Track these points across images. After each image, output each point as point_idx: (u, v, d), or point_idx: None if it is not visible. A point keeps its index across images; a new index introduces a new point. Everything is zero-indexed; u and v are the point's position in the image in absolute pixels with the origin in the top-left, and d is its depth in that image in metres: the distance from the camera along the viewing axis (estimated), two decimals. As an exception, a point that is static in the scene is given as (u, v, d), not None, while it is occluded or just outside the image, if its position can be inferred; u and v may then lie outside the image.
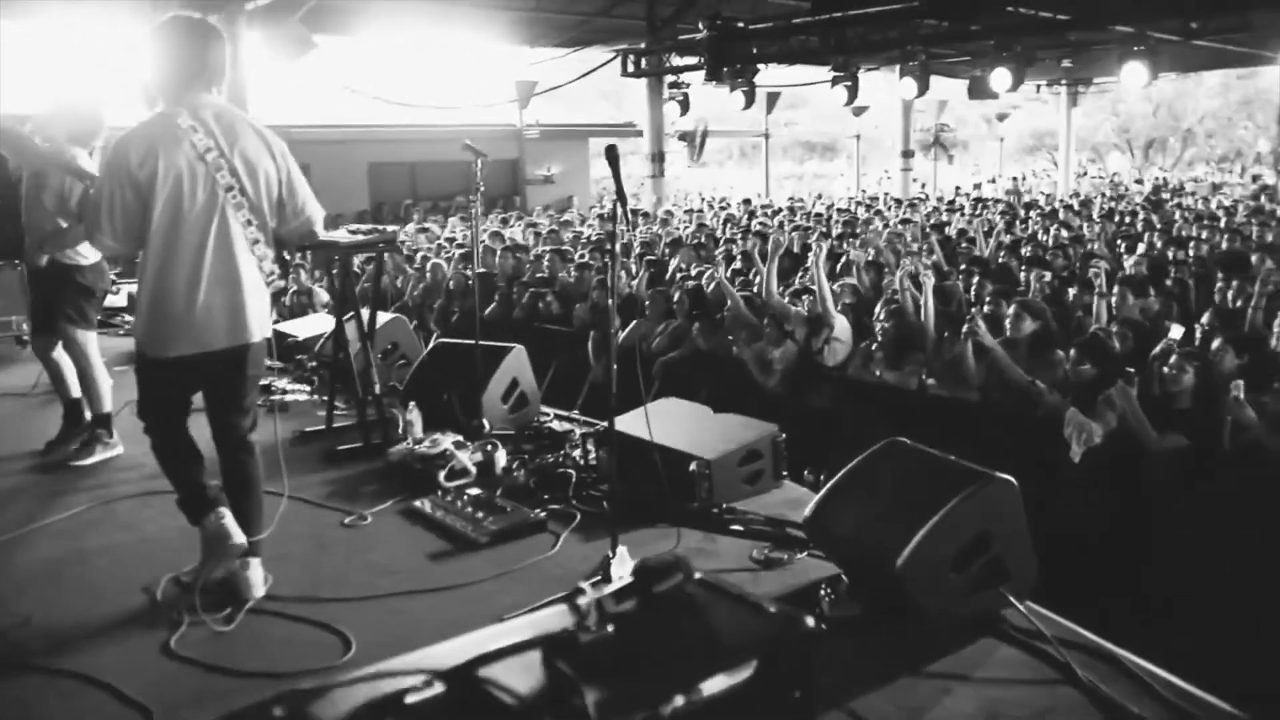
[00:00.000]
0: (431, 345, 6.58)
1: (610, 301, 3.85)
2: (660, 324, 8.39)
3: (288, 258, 3.97)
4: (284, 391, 7.06)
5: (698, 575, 2.61)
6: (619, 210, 3.65)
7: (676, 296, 8.35)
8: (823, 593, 3.56)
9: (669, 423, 4.94)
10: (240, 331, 3.61)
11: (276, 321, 8.89)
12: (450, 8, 15.28)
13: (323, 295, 10.33)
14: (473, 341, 5.82)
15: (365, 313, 5.88)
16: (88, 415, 5.71)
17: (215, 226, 3.53)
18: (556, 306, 9.33)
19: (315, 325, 7.83)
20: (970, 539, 3.32)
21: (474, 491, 4.73)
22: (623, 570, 3.49)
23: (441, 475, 4.97)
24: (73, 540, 4.45)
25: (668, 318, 8.34)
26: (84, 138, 5.17)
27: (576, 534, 4.33)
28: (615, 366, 3.85)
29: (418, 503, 4.69)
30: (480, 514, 4.44)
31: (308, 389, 7.02)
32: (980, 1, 11.87)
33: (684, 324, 8.05)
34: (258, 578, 3.73)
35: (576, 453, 5.25)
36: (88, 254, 5.41)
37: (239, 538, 3.66)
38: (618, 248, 3.93)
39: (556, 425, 5.88)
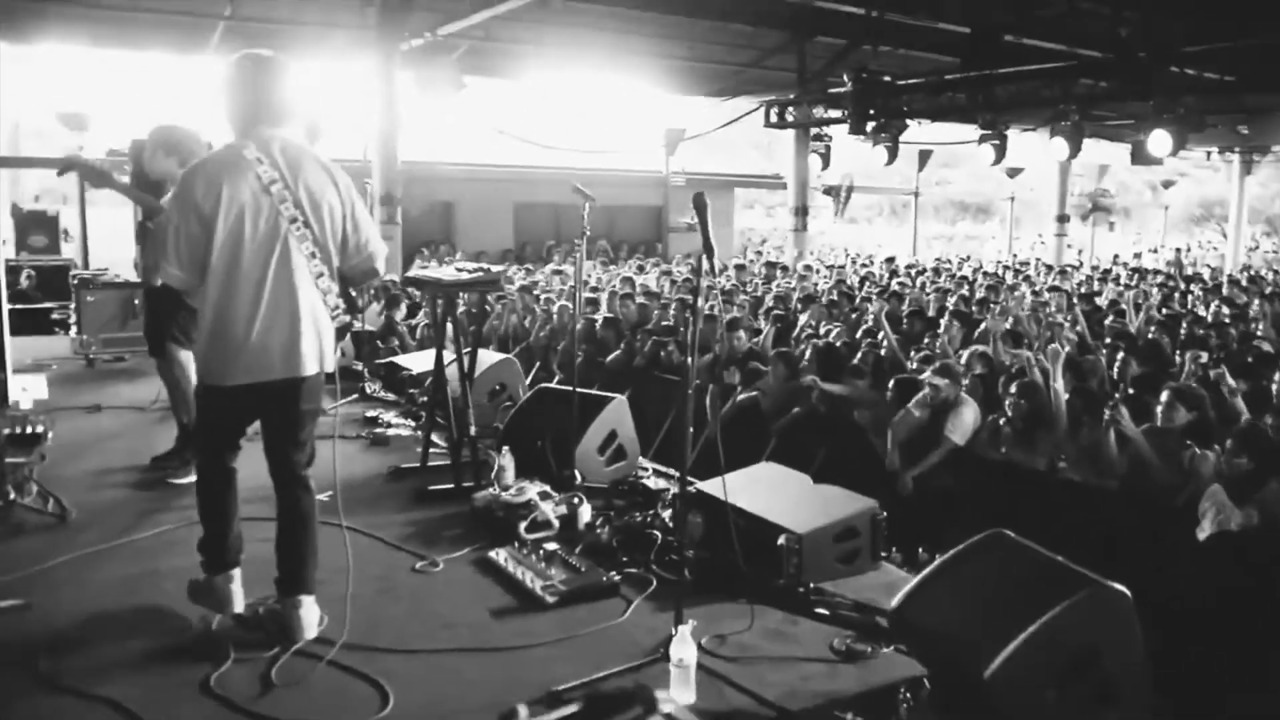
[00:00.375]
0: (534, 389, 6.44)
1: (689, 358, 3.62)
2: (783, 383, 8.06)
3: (353, 294, 3.87)
4: (387, 425, 7.05)
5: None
6: (703, 263, 3.43)
7: (805, 353, 8.01)
8: (901, 697, 3.20)
9: (762, 489, 4.67)
10: (295, 363, 3.57)
11: (390, 355, 9.04)
12: (607, 55, 15.51)
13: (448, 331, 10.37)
14: (573, 388, 5.64)
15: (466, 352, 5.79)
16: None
17: (277, 258, 3.52)
18: (678, 356, 9.11)
19: (429, 361, 7.76)
20: (1074, 653, 2.92)
21: (551, 546, 4.53)
22: (683, 652, 3.21)
23: (522, 526, 4.79)
24: (150, 560, 4.47)
25: (792, 378, 8.01)
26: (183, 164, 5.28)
27: (650, 602, 4.07)
28: (692, 427, 3.59)
29: (493, 553, 4.52)
30: (553, 571, 4.24)
31: (412, 424, 6.99)
32: (1143, 62, 11.18)
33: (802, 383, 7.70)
34: (310, 618, 3.65)
35: (666, 513, 4.99)
36: None
37: (236, 607, 3.74)
38: (700, 302, 3.70)
39: (652, 482, 5.63)
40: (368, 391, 8.25)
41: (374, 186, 14.63)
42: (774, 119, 17.19)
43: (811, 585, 4.14)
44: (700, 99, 17.72)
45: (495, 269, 5.75)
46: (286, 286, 3.54)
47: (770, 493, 4.63)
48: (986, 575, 3.27)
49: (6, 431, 5.64)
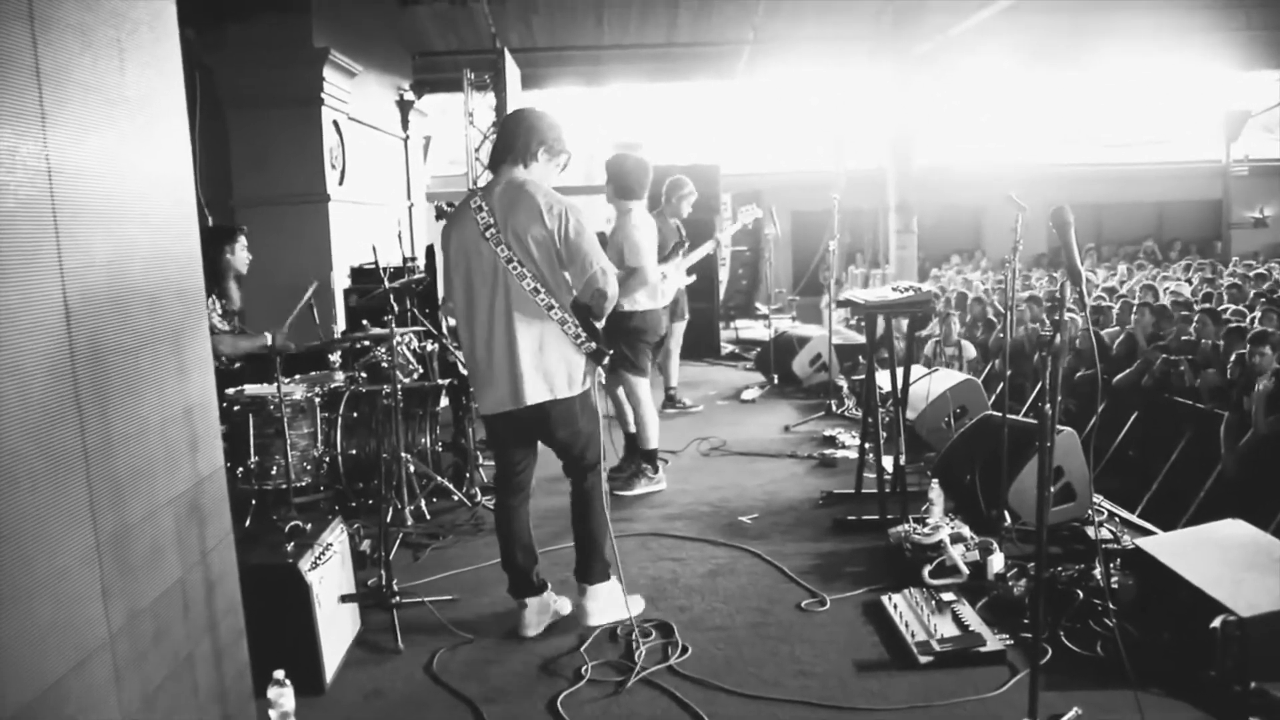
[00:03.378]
0: (979, 417, 5.89)
1: (1197, 379, 3.03)
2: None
3: (596, 324, 3.83)
4: (841, 445, 6.91)
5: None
6: (1066, 291, 2.85)
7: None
8: None
9: (1215, 552, 3.81)
10: (520, 394, 3.77)
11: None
12: (1156, 35, 13.92)
13: (970, 350, 9.82)
14: (1026, 418, 5.09)
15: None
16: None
17: (499, 298, 3.74)
18: (1190, 376, 7.85)
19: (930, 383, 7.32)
20: None
21: (949, 596, 4.09)
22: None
23: (926, 570, 4.41)
24: (566, 569, 4.74)
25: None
26: (629, 191, 5.58)
27: (1042, 677, 3.50)
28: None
29: (887, 597, 4.21)
30: (938, 625, 3.83)
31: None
32: None
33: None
34: (595, 608, 4.06)
35: (1098, 570, 4.29)
36: (641, 301, 5.79)
37: (526, 632, 4.01)
38: (1058, 337, 3.07)
39: (1105, 530, 4.88)
40: (834, 409, 8.16)
41: (889, 194, 14.50)
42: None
43: (1253, 685, 3.28)
44: (1267, 73, 15.07)
45: (926, 289, 5.35)
46: (505, 324, 3.74)
47: (1223, 558, 3.76)
48: None
49: (483, 436, 6.41)
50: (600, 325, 3.85)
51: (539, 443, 4.09)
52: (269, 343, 5.29)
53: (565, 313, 3.76)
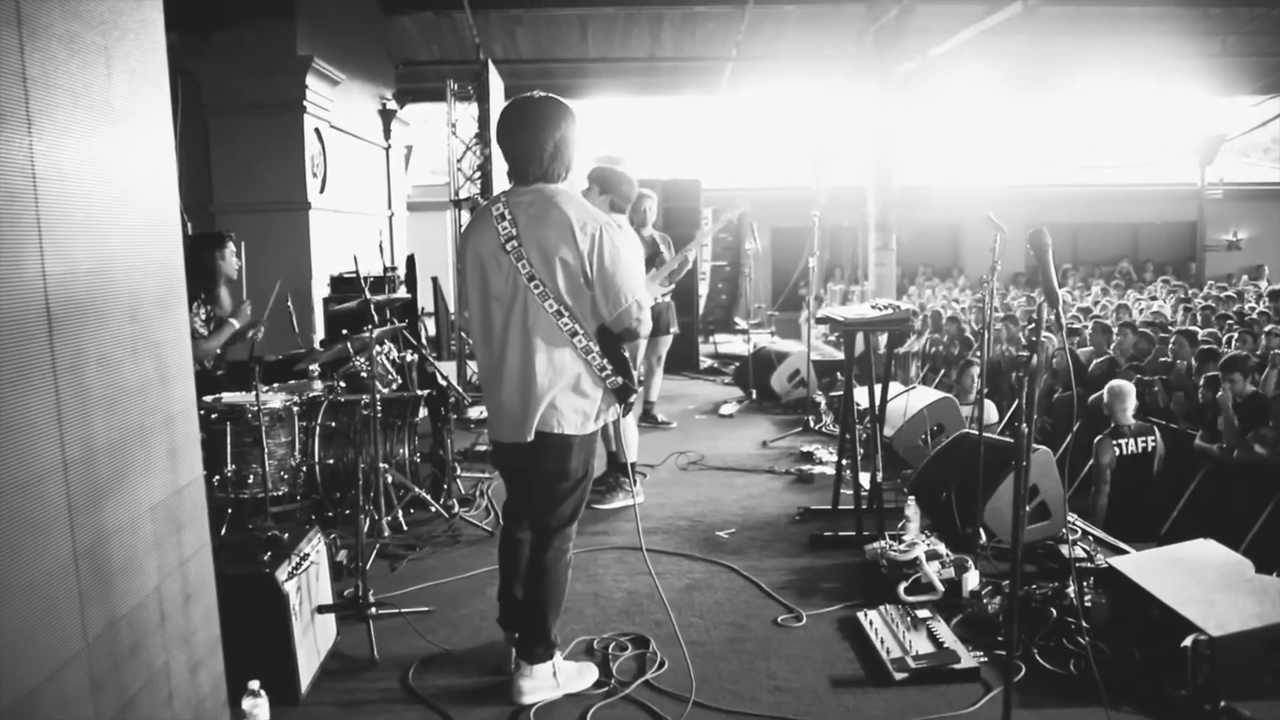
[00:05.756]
0: (955, 435, 5.94)
1: (1170, 400, 3.06)
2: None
3: (625, 355, 3.44)
4: (818, 462, 6.95)
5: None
6: (1043, 313, 2.89)
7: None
8: None
9: (1184, 572, 3.86)
10: (526, 428, 3.37)
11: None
12: (1134, 60, 14.11)
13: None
14: (978, 433, 5.13)
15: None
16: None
17: (516, 318, 3.34)
18: (1164, 398, 7.94)
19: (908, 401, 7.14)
20: None
21: (925, 613, 4.12)
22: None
23: (902, 587, 4.44)
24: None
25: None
26: (619, 204, 5.60)
27: (1015, 694, 3.52)
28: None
29: (863, 613, 4.22)
30: (913, 642, 3.85)
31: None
32: None
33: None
34: (528, 687, 3.54)
35: (1071, 589, 4.32)
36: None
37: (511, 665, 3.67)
38: (1035, 358, 3.10)
39: (1079, 549, 4.92)
40: (812, 425, 8.20)
41: (869, 211, 14.60)
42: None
43: (1223, 704, 3.33)
44: (1242, 98, 15.30)
45: (905, 308, 5.39)
46: (521, 348, 3.34)
47: (1194, 578, 3.81)
48: None
49: (462, 448, 6.40)
50: (633, 361, 3.50)
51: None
52: (236, 327, 5.41)
53: (591, 341, 3.34)
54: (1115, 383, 7.01)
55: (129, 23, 2.47)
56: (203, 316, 5.42)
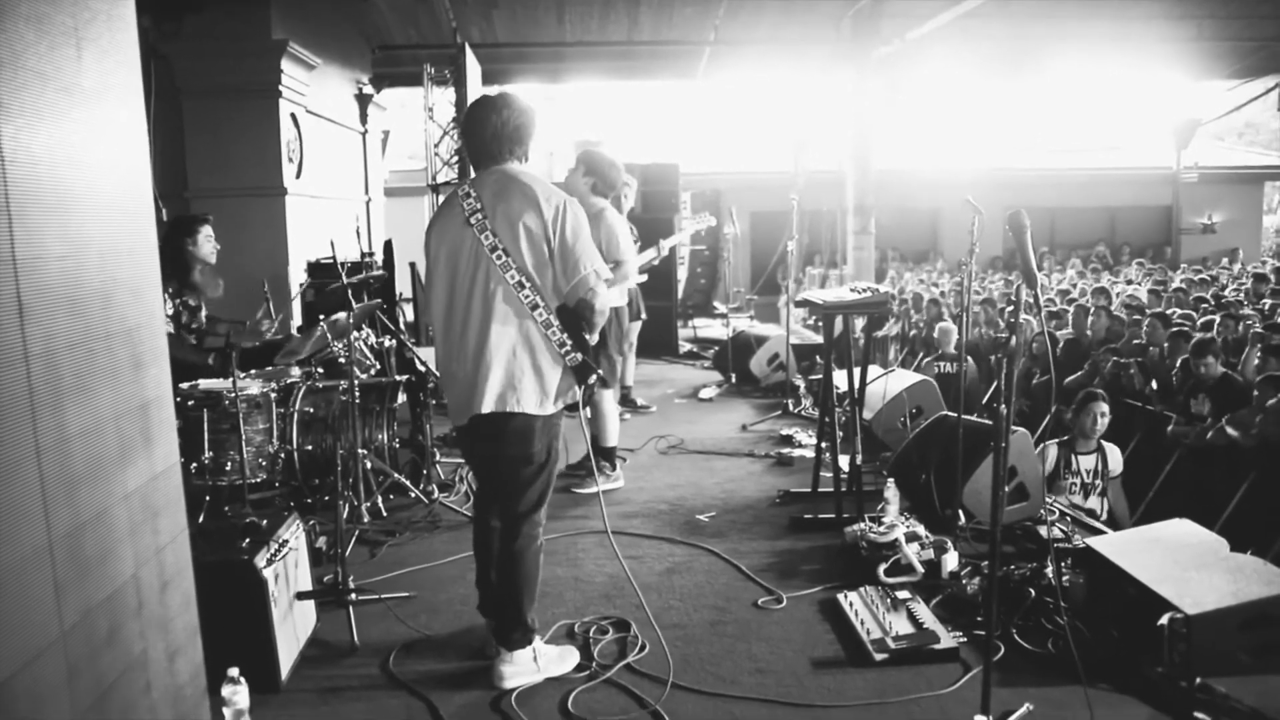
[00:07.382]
0: (935, 417, 5.96)
1: (1151, 383, 3.08)
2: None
3: (586, 335, 3.42)
4: (797, 445, 6.97)
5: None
6: (1021, 295, 2.90)
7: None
8: None
9: (1161, 552, 3.90)
10: (478, 401, 3.37)
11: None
12: (1111, 44, 14.14)
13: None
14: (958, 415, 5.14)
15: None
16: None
17: (478, 290, 3.35)
18: (1140, 380, 8.00)
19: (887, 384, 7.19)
20: None
21: (904, 594, 4.14)
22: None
23: (882, 569, 4.46)
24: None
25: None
26: (604, 187, 5.59)
27: (994, 673, 3.55)
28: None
29: (843, 595, 4.25)
30: (892, 623, 3.88)
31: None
32: None
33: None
34: (507, 672, 3.54)
35: (1050, 570, 4.36)
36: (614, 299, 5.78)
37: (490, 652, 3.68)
38: (1014, 339, 3.12)
39: (1056, 529, 4.95)
40: (791, 409, 8.22)
41: (848, 195, 14.61)
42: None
43: (1199, 681, 3.37)
44: (1217, 83, 15.39)
45: (884, 290, 5.41)
46: (480, 319, 3.34)
47: (1170, 558, 3.85)
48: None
49: (441, 433, 6.36)
50: (591, 339, 3.45)
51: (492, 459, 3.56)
52: (221, 345, 5.30)
53: (551, 315, 3.35)
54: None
55: (99, 4, 2.43)
56: (171, 310, 5.31)
